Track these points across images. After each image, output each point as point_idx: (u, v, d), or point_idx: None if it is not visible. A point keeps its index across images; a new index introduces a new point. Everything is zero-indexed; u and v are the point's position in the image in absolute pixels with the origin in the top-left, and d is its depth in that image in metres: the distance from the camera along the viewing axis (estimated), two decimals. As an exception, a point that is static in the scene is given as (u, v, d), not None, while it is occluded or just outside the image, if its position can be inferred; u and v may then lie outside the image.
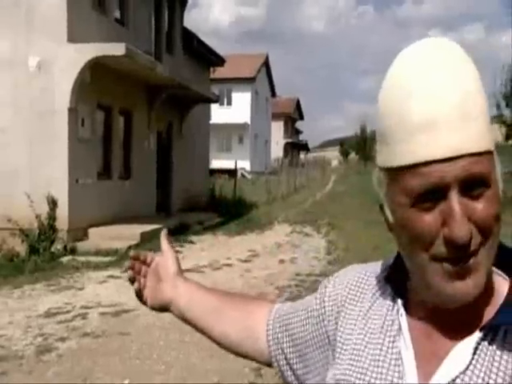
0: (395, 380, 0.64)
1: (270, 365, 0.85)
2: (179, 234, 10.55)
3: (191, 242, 10.17)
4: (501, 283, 0.65)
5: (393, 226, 0.64)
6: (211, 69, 17.90)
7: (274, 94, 43.04)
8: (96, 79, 9.34)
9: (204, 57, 16.00)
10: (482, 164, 0.58)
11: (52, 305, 5.73)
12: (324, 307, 0.77)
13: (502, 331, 0.61)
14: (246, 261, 8.46)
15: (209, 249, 9.61)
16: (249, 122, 35.68)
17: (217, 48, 16.88)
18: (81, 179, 9.23)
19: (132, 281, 0.93)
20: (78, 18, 9.11)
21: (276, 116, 43.78)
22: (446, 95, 0.58)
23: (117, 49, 8.68)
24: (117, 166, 10.73)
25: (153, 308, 0.94)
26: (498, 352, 0.60)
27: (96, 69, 9.14)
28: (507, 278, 0.66)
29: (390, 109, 0.61)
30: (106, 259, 8.17)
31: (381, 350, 0.67)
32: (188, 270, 7.54)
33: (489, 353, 0.60)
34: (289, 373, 0.81)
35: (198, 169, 15.64)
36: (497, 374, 0.59)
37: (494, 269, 0.66)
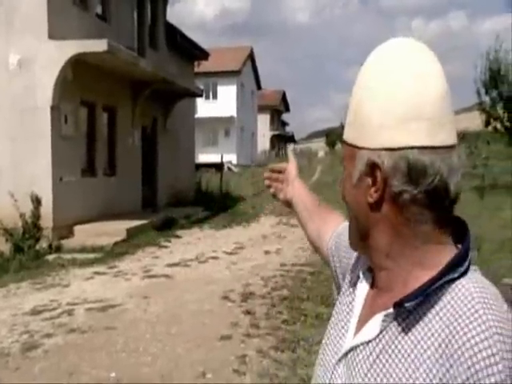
0: (341, 333, 0.78)
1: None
2: (166, 228, 10.60)
3: (178, 237, 10.22)
4: (443, 257, 0.66)
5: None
6: (196, 63, 17.86)
7: (259, 87, 42.96)
8: (78, 76, 9.30)
9: (188, 51, 15.95)
10: (343, 148, 0.74)
11: (38, 302, 5.75)
12: (351, 259, 0.90)
13: (416, 314, 0.66)
14: (231, 253, 8.55)
15: (195, 242, 9.68)
16: (235, 115, 35.60)
17: (202, 42, 16.86)
18: (65, 177, 9.21)
19: (268, 187, 1.21)
20: (59, 14, 9.04)
21: (262, 108, 43.73)
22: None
23: (98, 45, 8.65)
24: (101, 162, 10.71)
25: (283, 203, 1.21)
26: (406, 330, 0.66)
27: (78, 65, 9.10)
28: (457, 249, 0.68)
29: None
30: (92, 256, 8.19)
31: (346, 308, 0.80)
32: (175, 264, 7.62)
33: (397, 330, 0.67)
34: (335, 275, 0.99)
35: (183, 163, 15.65)
36: (396, 347, 0.66)
37: (449, 241, 0.68)
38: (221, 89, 35.36)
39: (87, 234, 9.08)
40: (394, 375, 0.64)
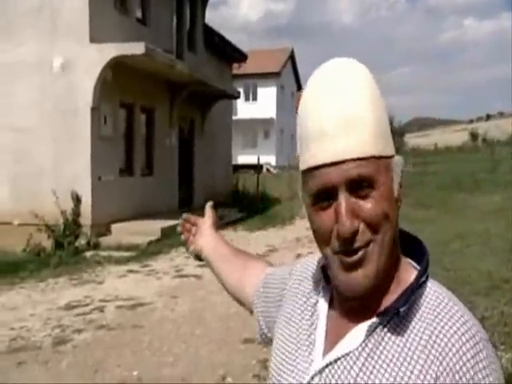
0: (307, 353, 0.76)
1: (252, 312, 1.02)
2: (200, 229, 10.68)
3: (211, 237, 10.29)
4: (411, 274, 0.72)
5: None
6: (236, 65, 17.97)
7: (299, 89, 42.78)
8: (118, 78, 9.55)
9: (226, 53, 16.07)
10: (365, 167, 0.66)
11: (72, 298, 5.93)
12: (289, 278, 0.91)
13: (397, 319, 0.68)
14: (263, 255, 8.49)
15: (228, 244, 9.69)
16: (274, 116, 35.60)
17: (245, 43, 17.00)
18: (103, 176, 9.47)
19: (180, 234, 1.19)
20: (100, 18, 9.33)
21: (302, 110, 43.54)
22: (332, 113, 0.68)
23: (136, 48, 8.86)
24: (139, 162, 10.94)
25: (194, 256, 1.18)
26: (389, 335, 0.68)
27: (117, 68, 9.35)
28: (418, 267, 0.73)
29: (299, 122, 0.73)
30: (127, 254, 8.38)
31: (308, 327, 0.79)
32: (204, 265, 7.65)
33: (380, 336, 0.69)
34: (260, 319, 0.97)
35: (220, 165, 15.77)
36: (381, 352, 0.67)
37: (408, 260, 0.74)
38: (261, 90, 35.46)
39: (124, 233, 9.30)
40: (384, 380, 0.65)
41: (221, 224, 11.95)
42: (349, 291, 0.69)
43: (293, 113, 41.13)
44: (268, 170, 31.19)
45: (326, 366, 0.71)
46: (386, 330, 0.68)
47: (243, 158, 30.44)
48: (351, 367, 0.69)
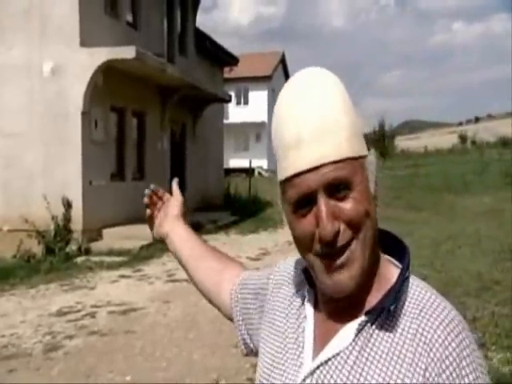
0: (295, 357, 0.77)
1: (231, 319, 0.99)
2: (192, 233, 10.66)
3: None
4: (392, 271, 0.75)
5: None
6: (228, 69, 18.01)
7: (291, 92, 42.97)
8: (109, 82, 9.51)
9: (217, 57, 16.09)
10: (343, 170, 0.68)
11: (64, 304, 5.88)
12: (268, 285, 0.90)
13: (384, 315, 0.70)
14: (255, 259, 8.51)
15: (220, 247, 9.57)
16: (266, 120, 35.66)
17: (236, 47, 17.06)
18: (94, 181, 9.42)
19: (147, 207, 1.11)
20: (91, 22, 9.30)
21: (293, 114, 43.71)
22: (309, 118, 0.69)
23: (127, 52, 8.83)
24: (130, 167, 10.90)
25: (154, 236, 1.13)
26: (377, 332, 0.70)
27: (108, 72, 9.32)
28: (400, 265, 0.75)
29: (274, 133, 0.73)
30: (119, 259, 8.33)
31: (292, 328, 0.80)
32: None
33: (369, 334, 0.70)
34: (242, 328, 0.95)
35: (212, 168, 15.76)
36: (371, 349, 0.69)
37: (387, 257, 0.76)
38: (252, 94, 35.52)
39: (115, 238, 9.25)
40: (376, 374, 0.67)
41: (213, 227, 11.98)
42: (335, 293, 0.70)
43: (284, 116, 41.28)
44: (260, 173, 31.22)
45: (317, 367, 0.72)
46: (374, 327, 0.70)
47: (235, 162, 30.44)
48: (342, 366, 0.70)
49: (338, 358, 0.71)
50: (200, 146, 14.61)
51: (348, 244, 0.68)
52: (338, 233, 0.67)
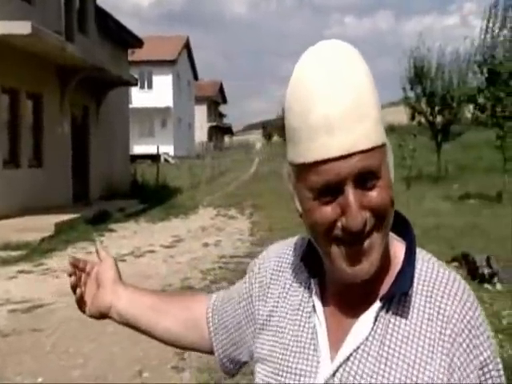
0: (311, 353, 0.72)
1: (213, 353, 0.90)
2: (99, 222, 10.16)
3: (112, 231, 9.84)
4: (398, 249, 0.73)
5: (301, 214, 0.70)
6: (129, 51, 17.22)
7: (196, 78, 42.42)
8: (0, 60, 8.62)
9: (121, 38, 15.32)
10: (372, 159, 0.64)
11: (-45, 305, 5.28)
12: (252, 289, 0.84)
13: (397, 298, 0.69)
14: (169, 246, 8.35)
15: (131, 236, 9.36)
16: (171, 105, 34.92)
17: (137, 30, 16.28)
18: (-15, 168, 8.54)
19: (74, 288, 0.92)
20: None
21: (199, 100, 43.24)
22: (341, 99, 0.63)
23: (22, 27, 8.08)
24: (26, 153, 10.05)
25: (92, 316, 0.95)
26: (394, 317, 0.68)
27: (0, 49, 8.43)
28: (402, 241, 0.74)
29: (295, 110, 0.66)
30: (16, 253, 7.66)
31: (299, 326, 0.74)
32: (109, 260, 7.30)
33: (386, 319, 0.69)
34: (225, 360, 0.89)
35: (118, 154, 15.09)
36: (392, 335, 0.68)
37: (391, 234, 0.72)
38: (156, 78, 34.52)
39: (11, 230, 8.47)
40: (401, 359, 0.66)
41: (122, 216, 11.51)
42: (355, 280, 0.67)
43: (190, 102, 40.66)
44: (166, 160, 30.58)
45: (339, 366, 0.69)
46: (390, 313, 0.69)
47: (140, 148, 29.44)
48: (366, 359, 0.67)
49: (360, 351, 0.68)
50: (104, 130, 13.88)
51: (371, 232, 0.66)
52: (365, 223, 0.64)
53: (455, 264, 5.70)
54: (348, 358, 0.68)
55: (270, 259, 0.84)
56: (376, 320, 0.69)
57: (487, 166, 18.05)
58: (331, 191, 0.64)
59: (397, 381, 0.65)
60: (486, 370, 0.66)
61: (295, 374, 0.72)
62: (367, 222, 0.64)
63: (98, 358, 3.86)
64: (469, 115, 15.07)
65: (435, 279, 0.70)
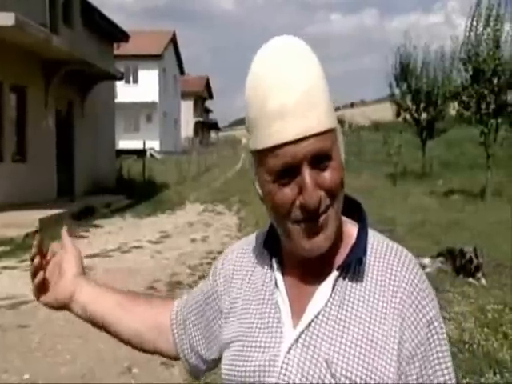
0: (275, 325, 0.76)
1: (177, 358, 0.91)
2: (84, 218, 10.05)
3: (98, 226, 9.74)
4: (351, 229, 0.80)
5: (262, 198, 0.76)
6: (115, 45, 17.01)
7: (182, 73, 42.12)
8: (-19, 52, 8.44)
9: (107, 31, 15.12)
10: (324, 141, 0.70)
11: None
12: (217, 285, 0.87)
13: (353, 267, 0.75)
14: (156, 242, 8.30)
15: (117, 232, 9.28)
16: (157, 100, 34.63)
17: (122, 23, 16.07)
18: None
19: (35, 273, 0.89)
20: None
21: (185, 95, 42.95)
22: (294, 88, 0.69)
23: (5, 19, 7.93)
24: (9, 147, 9.89)
25: (46, 304, 0.93)
26: (351, 283, 0.75)
27: (-19, 40, 8.26)
28: (356, 223, 0.81)
29: (252, 101, 0.71)
30: (0, 249, 7.55)
31: (263, 304, 0.79)
32: (95, 255, 7.23)
33: (343, 287, 0.75)
34: (193, 359, 0.89)
35: (103, 149, 14.93)
36: (349, 300, 0.74)
37: (344, 218, 0.80)
38: (142, 73, 34.18)
39: (-5, 226, 8.33)
40: (358, 321, 0.72)
41: (108, 211, 11.40)
42: (313, 254, 0.73)
43: (176, 97, 40.37)
44: (152, 155, 30.35)
45: (301, 333, 0.73)
46: (347, 280, 0.75)
47: (125, 143, 29.14)
48: (326, 322, 0.73)
49: (320, 316, 0.73)
50: (90, 125, 13.71)
51: (326, 210, 0.72)
52: (320, 200, 0.70)
53: (441, 259, 5.77)
54: (310, 324, 0.73)
55: (233, 253, 0.88)
56: (334, 287, 0.74)
57: (470, 162, 18.30)
58: (289, 173, 0.70)
59: (354, 339, 0.71)
60: (431, 326, 0.73)
61: (259, 347, 0.76)
62: (322, 199, 0.70)
63: (86, 354, 3.83)
64: (453, 112, 15.23)
65: (385, 251, 0.77)
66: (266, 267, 0.81)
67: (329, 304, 0.73)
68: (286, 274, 0.79)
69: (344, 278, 0.75)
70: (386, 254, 0.77)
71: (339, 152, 0.73)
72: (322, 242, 0.72)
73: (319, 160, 0.69)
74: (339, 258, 0.76)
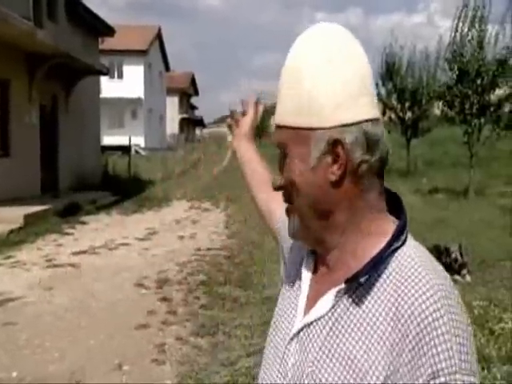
0: (291, 316, 0.78)
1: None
2: (69, 214, 9.92)
3: (83, 223, 9.63)
4: (387, 228, 0.72)
5: None
6: (100, 39, 16.78)
7: (168, 69, 41.78)
8: (-37, 44, 8.25)
9: (91, 25, 14.90)
10: (279, 134, 0.74)
11: None
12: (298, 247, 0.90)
13: (363, 282, 0.68)
14: (144, 239, 8.24)
15: (103, 229, 9.18)
16: (142, 96, 34.30)
17: (106, 18, 15.81)
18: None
19: (230, 117, 1.25)
20: None
21: (171, 91, 42.60)
22: (288, 68, 0.74)
23: (-13, 10, 7.73)
24: (-8, 142, 9.68)
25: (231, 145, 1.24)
26: (356, 301, 0.69)
27: (-37, 32, 8.07)
28: (394, 223, 0.73)
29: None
30: (-15, 246, 7.41)
31: (293, 291, 0.81)
32: (81, 252, 7.14)
33: (348, 302, 0.70)
34: (282, 253, 0.97)
35: (88, 145, 14.74)
36: (348, 319, 0.69)
37: (389, 217, 0.74)
38: (127, 68, 33.79)
39: (-23, 222, 8.18)
40: (347, 344, 0.67)
41: (93, 208, 11.25)
42: (292, 237, 0.78)
43: (162, 93, 40.04)
44: (137, 151, 30.08)
45: (302, 328, 0.74)
46: (354, 296, 0.69)
47: (110, 139, 28.79)
48: (320, 331, 0.71)
49: (319, 322, 0.72)
50: (74, 120, 13.52)
51: (289, 199, 0.75)
52: (282, 186, 0.75)
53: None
54: (310, 325, 0.73)
55: None
56: (339, 300, 0.70)
57: (453, 161, 18.55)
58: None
59: (338, 363, 0.67)
60: (436, 381, 0.61)
61: (277, 330, 0.80)
62: (284, 186, 0.75)
63: (75, 351, 3.79)
64: (437, 112, 15.40)
65: (409, 275, 0.66)
66: (309, 256, 0.81)
67: (329, 314, 0.70)
68: (317, 266, 0.79)
69: (353, 293, 0.69)
70: (408, 280, 0.66)
71: (306, 157, 0.70)
72: (291, 225, 0.75)
73: (284, 152, 0.74)
74: (357, 264, 0.69)
